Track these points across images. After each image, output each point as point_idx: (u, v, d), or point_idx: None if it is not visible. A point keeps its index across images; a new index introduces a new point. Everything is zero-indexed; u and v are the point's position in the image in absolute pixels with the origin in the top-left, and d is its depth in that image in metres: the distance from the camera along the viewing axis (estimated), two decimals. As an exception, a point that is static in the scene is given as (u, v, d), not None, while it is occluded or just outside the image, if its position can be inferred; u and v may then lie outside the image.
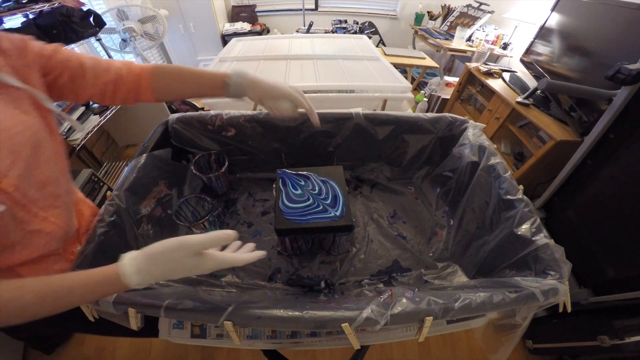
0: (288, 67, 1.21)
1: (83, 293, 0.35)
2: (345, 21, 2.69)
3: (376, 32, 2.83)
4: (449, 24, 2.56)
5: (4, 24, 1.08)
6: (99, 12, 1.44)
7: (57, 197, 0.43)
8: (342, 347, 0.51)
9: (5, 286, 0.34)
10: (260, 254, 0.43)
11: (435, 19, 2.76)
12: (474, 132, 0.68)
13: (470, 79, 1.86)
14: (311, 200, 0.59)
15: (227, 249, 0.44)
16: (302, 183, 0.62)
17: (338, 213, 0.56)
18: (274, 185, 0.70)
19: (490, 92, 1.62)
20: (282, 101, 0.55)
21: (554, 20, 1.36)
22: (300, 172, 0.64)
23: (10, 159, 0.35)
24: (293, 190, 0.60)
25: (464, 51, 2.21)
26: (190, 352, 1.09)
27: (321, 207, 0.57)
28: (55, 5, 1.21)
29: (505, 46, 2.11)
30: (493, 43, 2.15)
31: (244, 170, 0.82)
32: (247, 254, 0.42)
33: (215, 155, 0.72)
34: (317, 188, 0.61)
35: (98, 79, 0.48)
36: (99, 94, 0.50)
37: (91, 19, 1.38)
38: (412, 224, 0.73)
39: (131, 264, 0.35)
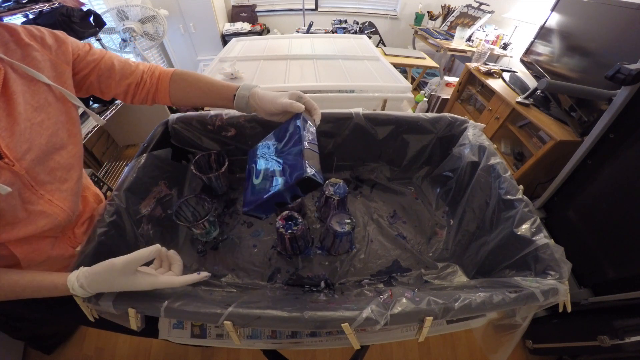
0: (288, 67, 1.21)
1: (33, 293, 0.40)
2: (345, 21, 2.69)
3: (376, 32, 2.83)
4: (449, 24, 2.57)
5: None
6: (99, 12, 1.45)
7: (65, 182, 0.46)
8: (342, 347, 0.52)
9: None
10: (203, 275, 0.45)
11: (435, 19, 2.76)
12: (474, 132, 0.68)
13: (470, 79, 1.86)
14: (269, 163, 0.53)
15: (171, 269, 0.46)
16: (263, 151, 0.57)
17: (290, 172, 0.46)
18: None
19: (490, 92, 1.62)
20: (284, 114, 0.55)
21: (554, 20, 1.36)
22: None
23: (27, 145, 0.39)
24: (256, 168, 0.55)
25: (464, 51, 2.21)
26: (190, 352, 1.09)
27: (278, 167, 0.50)
28: (55, 5, 1.21)
29: (505, 46, 2.11)
30: (493, 43, 2.15)
31: (244, 170, 0.82)
32: (186, 276, 0.44)
33: (215, 155, 0.73)
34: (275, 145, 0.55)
35: (123, 80, 0.53)
36: (122, 93, 0.55)
37: (91, 19, 1.38)
38: (412, 224, 0.73)
39: (78, 284, 0.38)
